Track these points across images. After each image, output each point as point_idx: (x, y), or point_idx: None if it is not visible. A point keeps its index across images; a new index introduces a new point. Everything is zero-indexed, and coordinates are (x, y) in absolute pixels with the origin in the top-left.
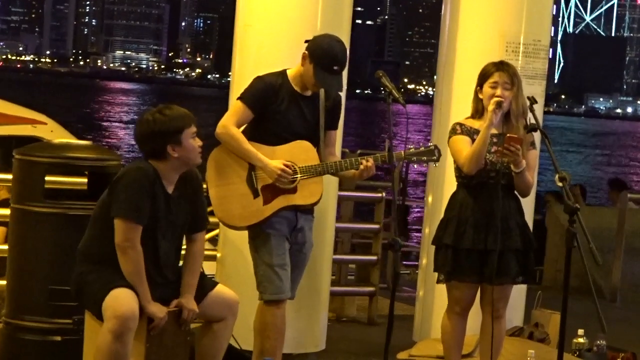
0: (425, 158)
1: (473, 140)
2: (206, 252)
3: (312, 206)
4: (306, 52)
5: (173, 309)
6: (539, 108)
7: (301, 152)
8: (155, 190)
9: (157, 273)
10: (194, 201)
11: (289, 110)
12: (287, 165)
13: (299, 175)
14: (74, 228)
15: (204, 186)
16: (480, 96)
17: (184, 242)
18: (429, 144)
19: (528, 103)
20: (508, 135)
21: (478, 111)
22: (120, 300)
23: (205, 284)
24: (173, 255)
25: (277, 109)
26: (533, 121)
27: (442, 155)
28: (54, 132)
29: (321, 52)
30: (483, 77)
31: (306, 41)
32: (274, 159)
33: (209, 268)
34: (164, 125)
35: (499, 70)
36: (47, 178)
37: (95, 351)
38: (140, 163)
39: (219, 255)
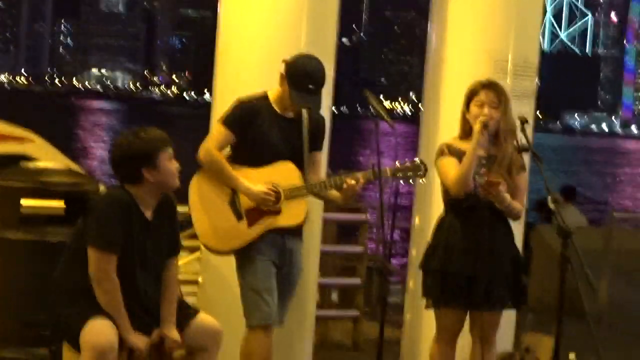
0: (411, 174)
1: (460, 162)
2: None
3: (298, 227)
4: (283, 72)
5: (155, 340)
6: (529, 128)
7: (284, 173)
8: (132, 217)
9: (136, 303)
10: (170, 225)
11: (270, 131)
12: (270, 189)
13: (282, 197)
14: (50, 255)
15: (187, 210)
16: (467, 117)
17: None
18: (415, 159)
19: (518, 123)
20: (486, 180)
21: (466, 132)
22: (98, 332)
23: (187, 313)
24: (153, 283)
25: (258, 131)
26: (524, 142)
27: (430, 176)
28: (41, 150)
29: (295, 71)
30: (469, 97)
31: (284, 61)
32: (257, 180)
33: None
34: (139, 148)
35: (485, 89)
36: (23, 202)
37: None
38: (114, 190)
39: (200, 279)
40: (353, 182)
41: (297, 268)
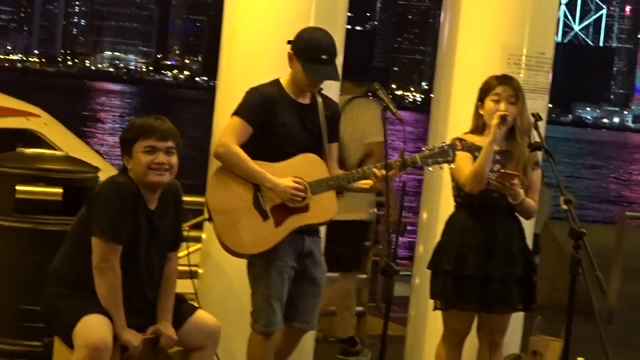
0: (440, 159)
1: (474, 157)
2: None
3: (326, 224)
4: (290, 51)
5: (149, 336)
6: (541, 124)
7: (308, 165)
8: (137, 205)
9: (138, 296)
10: (174, 216)
11: (289, 121)
12: (297, 182)
13: (309, 192)
14: (46, 244)
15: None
16: (481, 112)
17: None
18: (442, 143)
19: (532, 120)
20: (502, 171)
21: (478, 128)
22: (92, 329)
23: (184, 309)
24: (153, 277)
25: (277, 121)
26: (537, 139)
27: (438, 171)
28: (48, 125)
29: (304, 44)
30: (484, 91)
31: (289, 42)
32: (281, 175)
33: None
34: (124, 132)
35: (502, 84)
36: (18, 189)
37: None
38: (119, 176)
39: (200, 271)
40: (384, 171)
41: (321, 268)
